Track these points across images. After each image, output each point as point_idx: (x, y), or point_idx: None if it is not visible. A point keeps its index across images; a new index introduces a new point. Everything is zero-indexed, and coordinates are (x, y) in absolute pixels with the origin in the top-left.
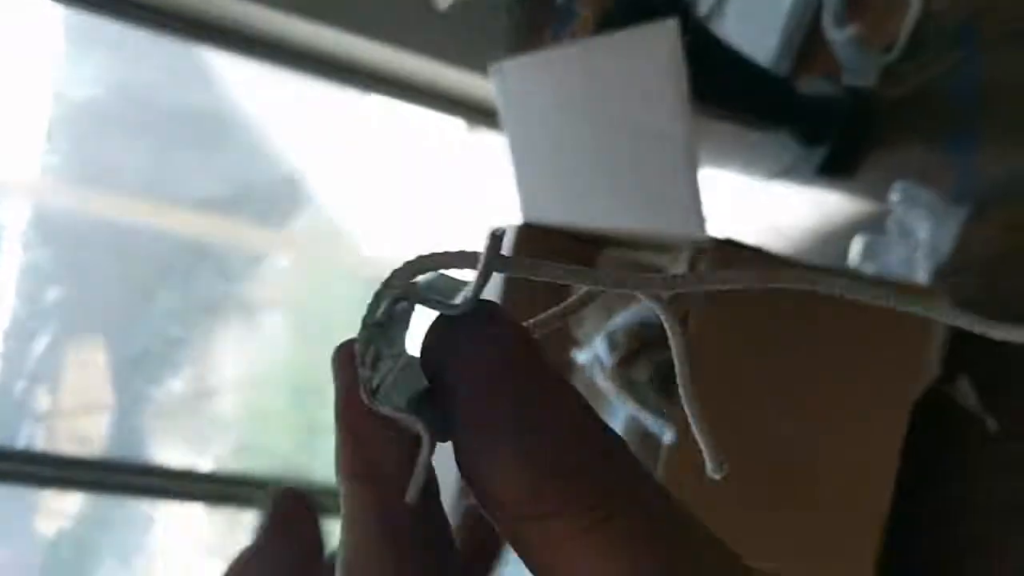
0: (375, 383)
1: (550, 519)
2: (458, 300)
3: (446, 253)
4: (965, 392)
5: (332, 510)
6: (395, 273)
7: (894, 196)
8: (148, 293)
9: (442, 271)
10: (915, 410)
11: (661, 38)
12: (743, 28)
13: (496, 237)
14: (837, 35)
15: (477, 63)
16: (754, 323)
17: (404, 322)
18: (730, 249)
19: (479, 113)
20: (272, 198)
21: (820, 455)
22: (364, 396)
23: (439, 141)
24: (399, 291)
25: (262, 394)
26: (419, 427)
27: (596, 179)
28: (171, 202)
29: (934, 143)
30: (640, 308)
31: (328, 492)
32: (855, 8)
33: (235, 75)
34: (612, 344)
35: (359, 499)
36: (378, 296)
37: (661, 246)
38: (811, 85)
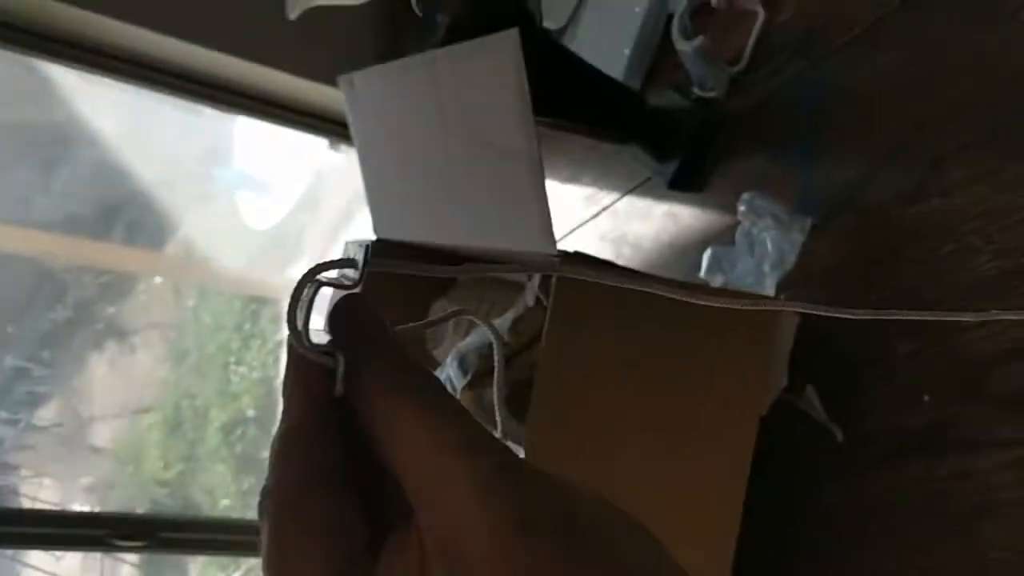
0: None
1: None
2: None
3: (340, 260)
4: (811, 402)
5: (214, 546)
6: (311, 270)
7: (741, 206)
8: (4, 322)
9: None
10: (765, 422)
11: (502, 50)
12: (595, 41)
13: (375, 243)
14: (685, 47)
15: (334, 77)
16: (604, 342)
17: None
18: (580, 263)
19: (342, 130)
20: (140, 219)
21: (670, 470)
22: (292, 337)
23: (303, 159)
24: (313, 280)
25: (138, 421)
26: (330, 353)
27: (445, 195)
28: (29, 225)
29: (780, 153)
30: (517, 307)
31: (212, 524)
32: (703, 20)
33: (83, 91)
34: (463, 365)
35: (295, 385)
36: (301, 283)
37: (513, 260)
38: (662, 97)
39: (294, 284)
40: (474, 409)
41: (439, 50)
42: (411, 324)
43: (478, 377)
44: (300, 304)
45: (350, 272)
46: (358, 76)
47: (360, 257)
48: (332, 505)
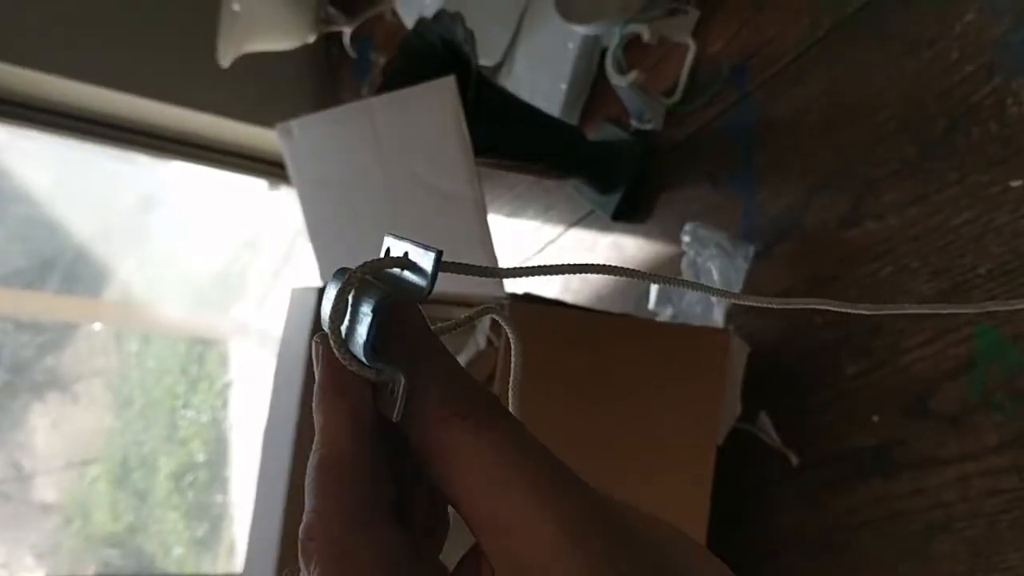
0: (344, 337)
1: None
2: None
3: (394, 258)
4: (766, 428)
5: None
6: (364, 266)
7: (685, 237)
8: None
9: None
10: (721, 451)
11: (440, 97)
12: (531, 77)
13: (439, 252)
14: (620, 81)
15: (272, 119)
16: (558, 378)
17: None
18: (529, 304)
19: (281, 171)
20: (76, 268)
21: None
22: (338, 350)
23: (242, 202)
24: (359, 283)
25: (84, 473)
26: (384, 370)
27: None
28: None
29: (719, 182)
30: (468, 349)
31: None
32: (635, 54)
33: (11, 146)
34: None
35: (336, 406)
36: (347, 284)
37: (466, 302)
38: (600, 131)
39: (334, 291)
40: None
41: (376, 98)
42: (437, 326)
43: None
44: (340, 310)
45: (411, 277)
46: (296, 124)
47: (429, 262)
48: (388, 544)
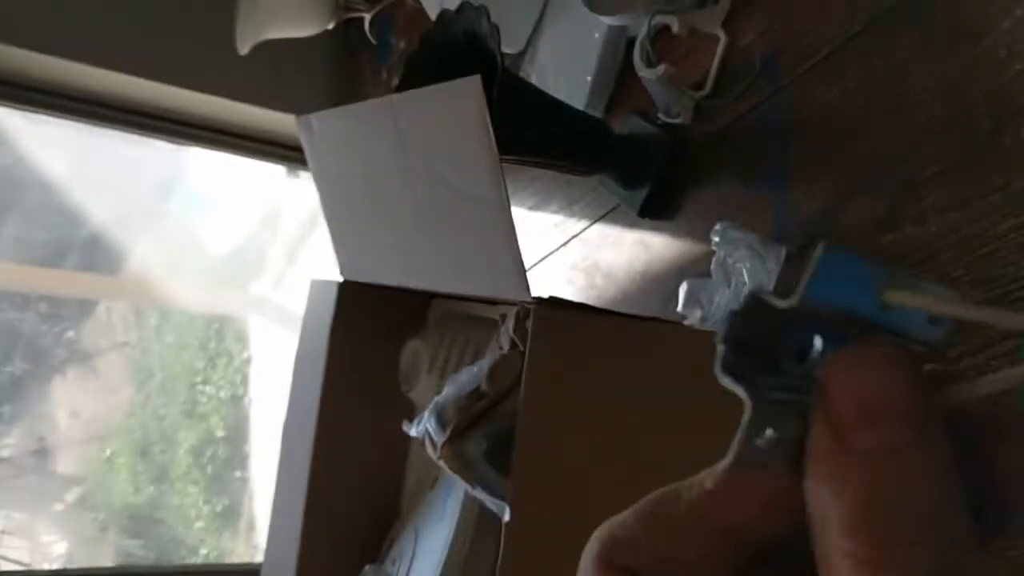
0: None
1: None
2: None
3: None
4: None
5: None
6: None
7: (715, 237)
8: None
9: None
10: None
11: (465, 96)
12: (556, 68)
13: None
14: (647, 73)
15: (290, 104)
16: (586, 386)
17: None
18: (553, 307)
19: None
20: (95, 248)
21: None
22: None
23: (260, 186)
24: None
25: (104, 446)
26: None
27: (414, 240)
28: None
29: (750, 180)
30: (468, 377)
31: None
32: (664, 45)
33: (29, 133)
34: (441, 420)
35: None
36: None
37: (489, 300)
38: (627, 125)
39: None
40: (455, 465)
41: (399, 95)
42: None
43: (458, 431)
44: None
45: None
46: (316, 119)
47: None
48: None
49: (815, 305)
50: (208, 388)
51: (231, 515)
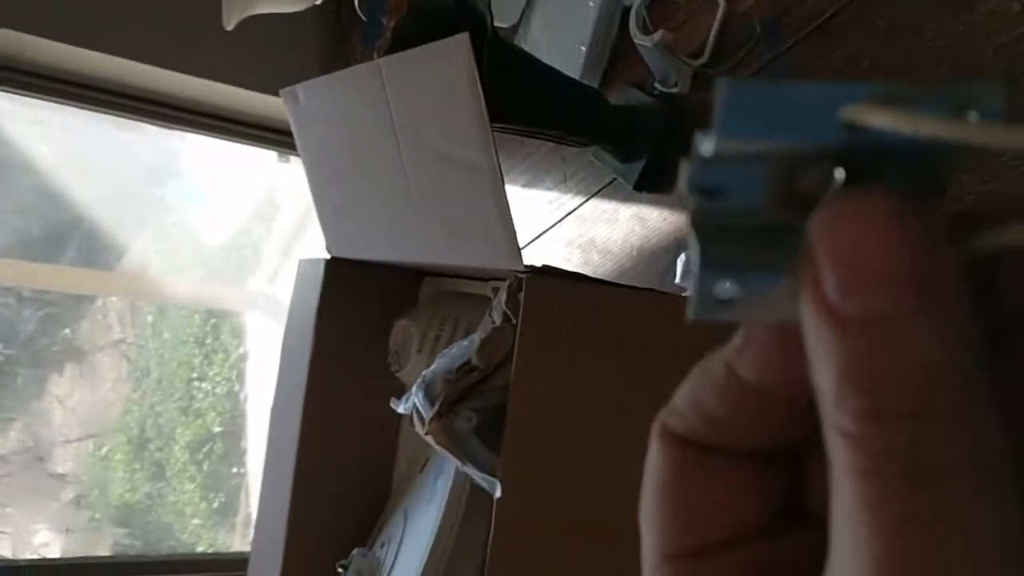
0: None
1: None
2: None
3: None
4: None
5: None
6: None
7: None
8: None
9: None
10: None
11: (453, 56)
12: (550, 38)
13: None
14: (645, 41)
15: (280, 87)
16: (579, 360)
17: None
18: (547, 277)
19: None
20: (91, 240)
21: None
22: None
23: (253, 173)
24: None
25: (101, 443)
26: None
27: (402, 211)
28: None
29: None
30: (458, 351)
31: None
32: (661, 12)
33: (15, 115)
34: (430, 394)
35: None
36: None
37: (481, 275)
38: (623, 96)
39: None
40: (444, 441)
41: (386, 58)
42: None
43: (447, 405)
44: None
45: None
46: (302, 89)
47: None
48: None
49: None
50: (204, 384)
51: (228, 511)
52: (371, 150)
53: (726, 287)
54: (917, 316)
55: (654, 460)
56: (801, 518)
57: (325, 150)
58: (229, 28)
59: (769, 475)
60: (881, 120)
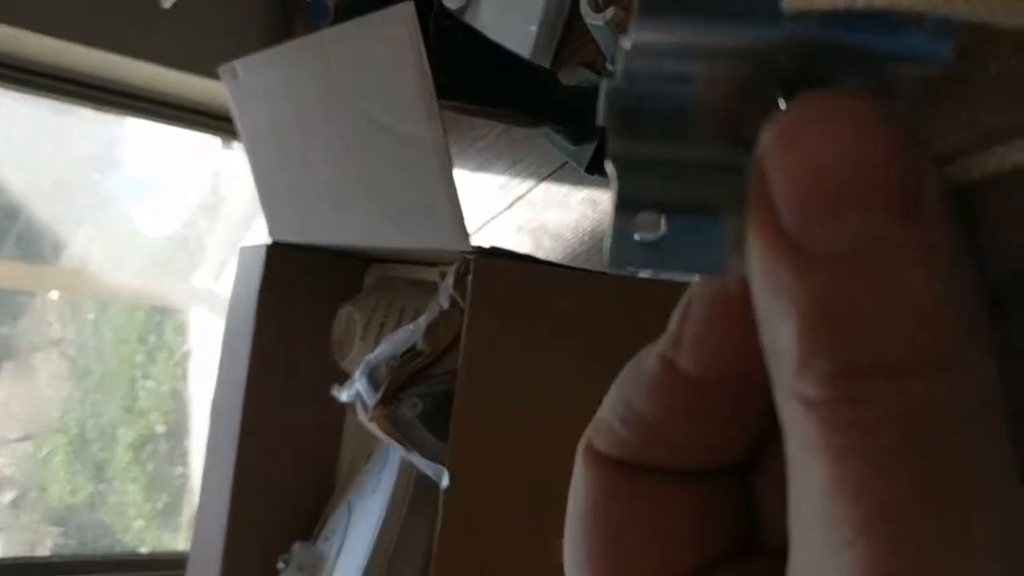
0: None
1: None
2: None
3: None
4: None
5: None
6: None
7: None
8: None
9: None
10: None
11: (397, 25)
12: (499, 18)
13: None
14: (595, 20)
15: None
16: (530, 344)
17: None
18: (495, 259)
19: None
20: (29, 232)
21: None
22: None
23: (197, 160)
24: None
25: (40, 444)
26: None
27: (346, 191)
28: None
29: None
30: (404, 335)
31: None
32: None
33: None
34: (373, 379)
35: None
36: None
37: (429, 259)
38: (575, 77)
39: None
40: (389, 428)
41: (328, 30)
42: None
43: (391, 391)
44: None
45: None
46: (241, 65)
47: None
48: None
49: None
50: (148, 383)
51: (172, 512)
52: (314, 127)
53: (649, 223)
54: (905, 246)
55: (579, 488)
56: (755, 549)
57: (267, 129)
58: (166, 6)
59: (716, 499)
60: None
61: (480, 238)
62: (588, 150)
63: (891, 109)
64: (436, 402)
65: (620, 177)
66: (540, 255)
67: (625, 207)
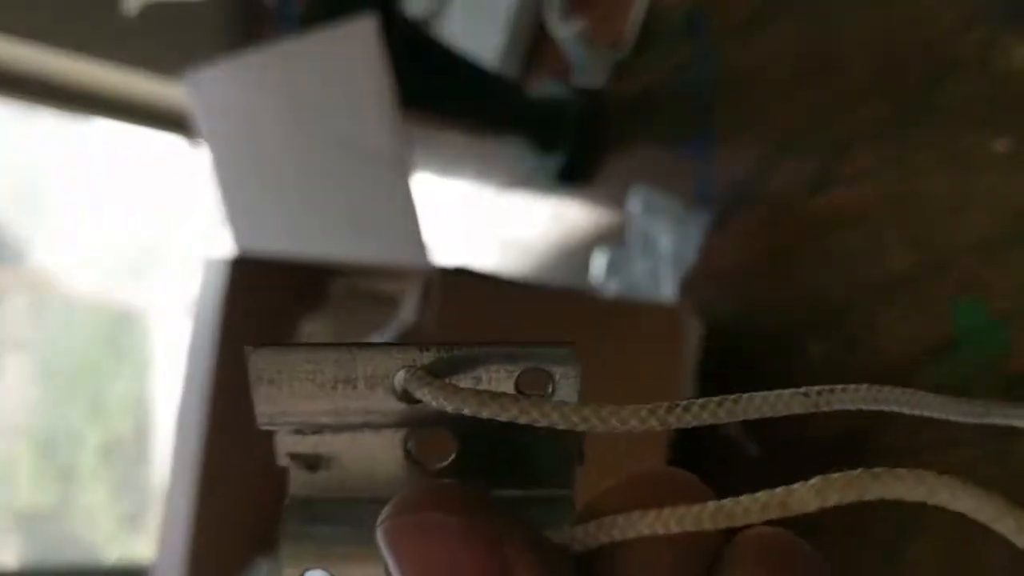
0: None
1: None
2: None
3: None
4: None
5: None
6: None
7: (634, 203)
8: None
9: None
10: (675, 441)
11: (360, 38)
12: (468, 27)
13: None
14: (563, 31)
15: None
16: None
17: None
18: (461, 277)
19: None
20: None
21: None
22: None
23: (162, 162)
24: None
25: (5, 448)
26: None
27: (309, 204)
28: None
29: (672, 144)
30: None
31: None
32: (582, 2)
33: None
34: None
35: None
36: None
37: (394, 273)
38: (541, 87)
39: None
40: None
41: (290, 41)
42: None
43: None
44: None
45: None
46: (203, 75)
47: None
48: None
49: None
50: (116, 385)
51: (139, 515)
52: (276, 139)
53: None
54: None
55: None
56: None
57: (229, 139)
58: (131, 14)
59: None
60: (423, 393)
61: (445, 248)
62: (556, 160)
63: (497, 511)
64: None
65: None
66: (506, 266)
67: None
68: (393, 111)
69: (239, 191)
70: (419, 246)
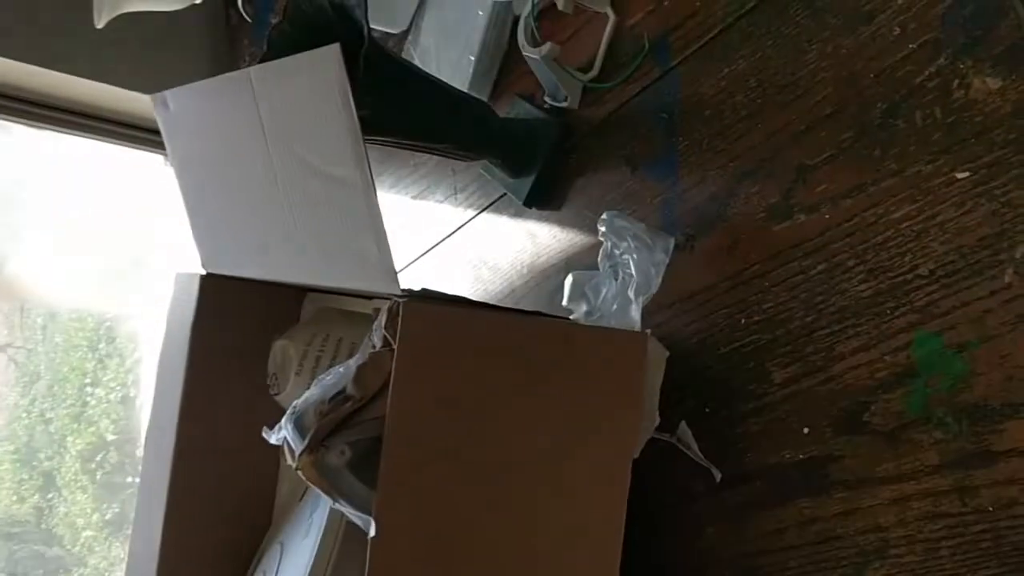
0: None
1: None
2: None
3: None
4: (686, 439)
5: None
6: None
7: (602, 227)
8: None
9: None
10: (638, 464)
11: (324, 67)
12: (438, 48)
13: None
14: (533, 54)
15: (163, 88)
16: (461, 388)
17: None
18: (427, 302)
19: None
20: None
21: (542, 523)
22: None
23: (138, 176)
24: None
25: None
26: None
27: (276, 228)
28: None
29: (638, 167)
30: (334, 378)
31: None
32: (550, 25)
33: None
34: (300, 426)
35: None
36: None
37: (365, 294)
38: (512, 108)
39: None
40: (315, 477)
41: (256, 67)
42: None
43: (318, 439)
44: None
45: None
46: (171, 95)
47: None
48: None
49: None
50: (98, 390)
51: (122, 522)
52: (243, 163)
53: None
54: None
55: None
56: None
57: (197, 160)
58: (99, 26)
59: None
60: None
61: (419, 266)
62: (526, 183)
63: None
64: (365, 449)
65: None
66: (479, 286)
67: None
68: (358, 141)
69: (207, 211)
70: (388, 275)
